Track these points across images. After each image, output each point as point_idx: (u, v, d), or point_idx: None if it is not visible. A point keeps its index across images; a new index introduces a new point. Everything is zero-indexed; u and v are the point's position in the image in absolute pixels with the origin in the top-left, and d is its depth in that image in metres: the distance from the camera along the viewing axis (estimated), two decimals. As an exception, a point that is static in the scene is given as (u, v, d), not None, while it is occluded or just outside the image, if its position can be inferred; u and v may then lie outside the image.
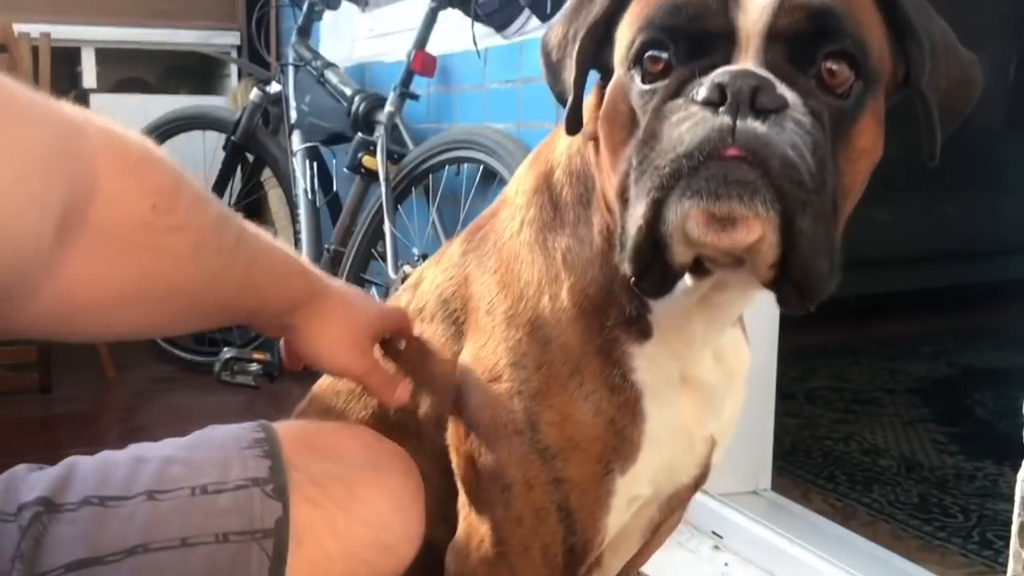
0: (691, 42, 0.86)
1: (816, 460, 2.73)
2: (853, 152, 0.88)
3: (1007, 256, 4.26)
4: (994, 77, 6.10)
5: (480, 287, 1.09)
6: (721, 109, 0.80)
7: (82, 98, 4.26)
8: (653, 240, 0.83)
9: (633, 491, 1.04)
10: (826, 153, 0.82)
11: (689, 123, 0.81)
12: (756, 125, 0.79)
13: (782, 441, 2.64)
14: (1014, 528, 1.42)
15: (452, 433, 1.09)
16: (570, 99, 0.96)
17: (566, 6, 1.01)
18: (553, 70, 1.01)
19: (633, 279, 0.88)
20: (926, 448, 2.84)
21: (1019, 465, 1.45)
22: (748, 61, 0.84)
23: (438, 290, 1.15)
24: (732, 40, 0.85)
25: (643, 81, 0.88)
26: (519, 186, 1.12)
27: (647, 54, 0.88)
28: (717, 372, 1.08)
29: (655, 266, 0.85)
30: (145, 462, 0.98)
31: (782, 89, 0.81)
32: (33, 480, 0.95)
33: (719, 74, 0.82)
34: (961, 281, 4.74)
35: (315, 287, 1.06)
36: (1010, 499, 1.47)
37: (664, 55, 0.87)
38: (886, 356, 3.92)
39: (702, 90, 0.81)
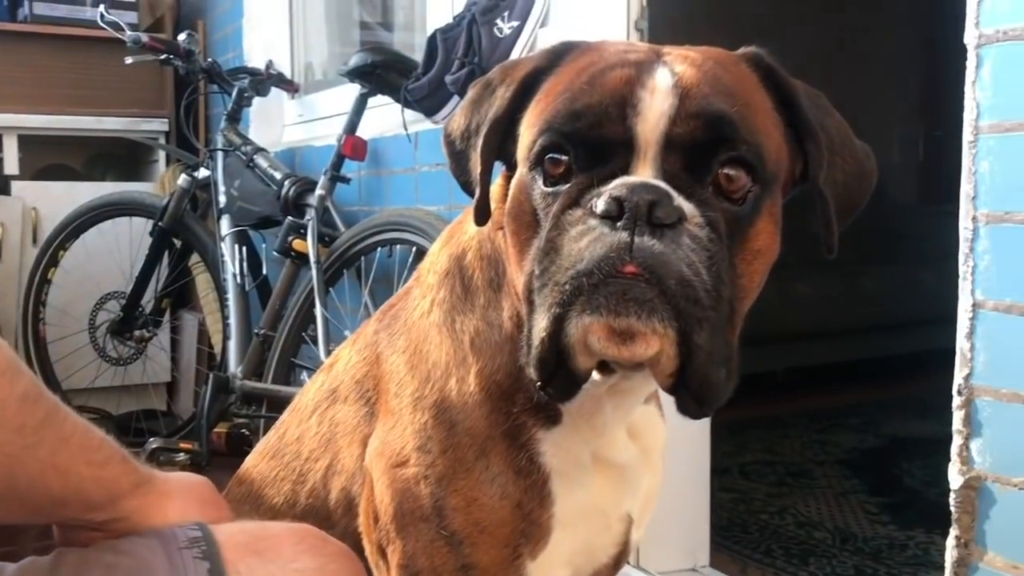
0: (591, 148, 0.88)
1: (752, 534, 2.73)
2: (749, 254, 0.90)
3: (927, 327, 4.38)
4: (905, 155, 6.38)
5: (390, 367, 1.09)
6: (619, 224, 0.82)
7: (3, 185, 4.18)
8: (557, 351, 0.85)
9: (547, 574, 1.02)
10: (722, 264, 0.84)
11: (588, 239, 0.83)
12: (653, 243, 0.82)
13: (718, 516, 2.64)
14: (946, 596, 1.44)
15: (363, 519, 1.07)
16: (477, 192, 0.98)
17: (467, 97, 1.03)
18: (458, 160, 1.03)
19: (539, 384, 0.89)
20: (859, 519, 2.87)
21: (948, 533, 1.47)
22: (646, 169, 0.86)
23: (352, 371, 1.15)
24: (631, 147, 0.87)
25: (544, 183, 0.90)
26: (432, 266, 1.13)
27: (547, 157, 0.90)
28: (632, 450, 1.08)
29: (560, 373, 0.87)
30: (86, 568, 0.93)
31: (679, 201, 0.84)
32: None
33: (617, 187, 0.84)
34: (884, 353, 4.86)
35: (140, 475, 0.99)
36: (941, 567, 1.49)
37: (564, 158, 0.89)
38: (815, 428, 3.98)
39: (600, 202, 0.83)
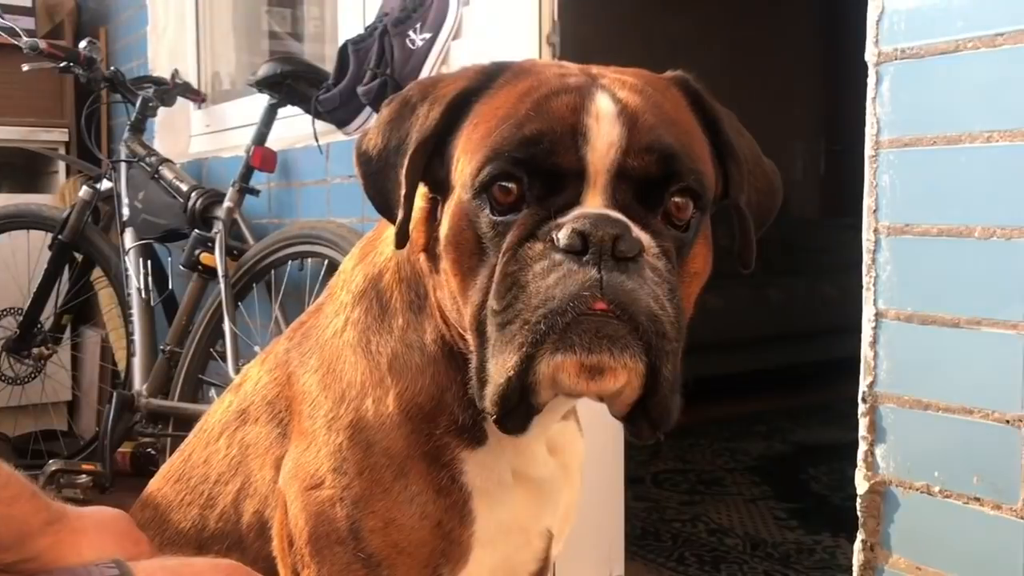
0: (544, 176, 0.87)
1: (666, 543, 2.76)
2: (688, 276, 0.93)
3: (830, 336, 4.52)
4: (807, 170, 6.57)
5: (303, 387, 1.06)
6: (585, 258, 0.82)
7: None
8: (521, 387, 0.84)
9: None
10: (679, 294, 0.86)
11: (555, 275, 0.83)
12: (623, 279, 0.82)
13: (632, 525, 2.67)
14: (854, 598, 1.47)
15: (277, 543, 1.04)
16: (399, 216, 0.95)
17: (383, 115, 1.00)
18: (374, 180, 0.99)
19: (495, 419, 0.89)
20: (768, 525, 2.93)
21: (854, 536, 1.51)
22: (596, 198, 0.87)
23: (262, 391, 1.12)
24: (582, 176, 0.87)
25: (492, 212, 0.89)
26: (345, 284, 1.10)
27: (497, 184, 0.88)
28: (551, 465, 1.08)
29: (519, 408, 0.86)
30: None
31: (637, 232, 0.85)
32: None
33: (578, 219, 0.84)
34: (790, 361, 4.99)
35: (51, 511, 0.96)
36: (848, 570, 1.52)
37: (513, 187, 0.88)
38: (725, 436, 4.05)
39: (563, 236, 0.83)
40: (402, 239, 0.97)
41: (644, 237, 0.85)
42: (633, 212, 0.87)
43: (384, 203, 0.99)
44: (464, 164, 0.92)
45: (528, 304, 0.83)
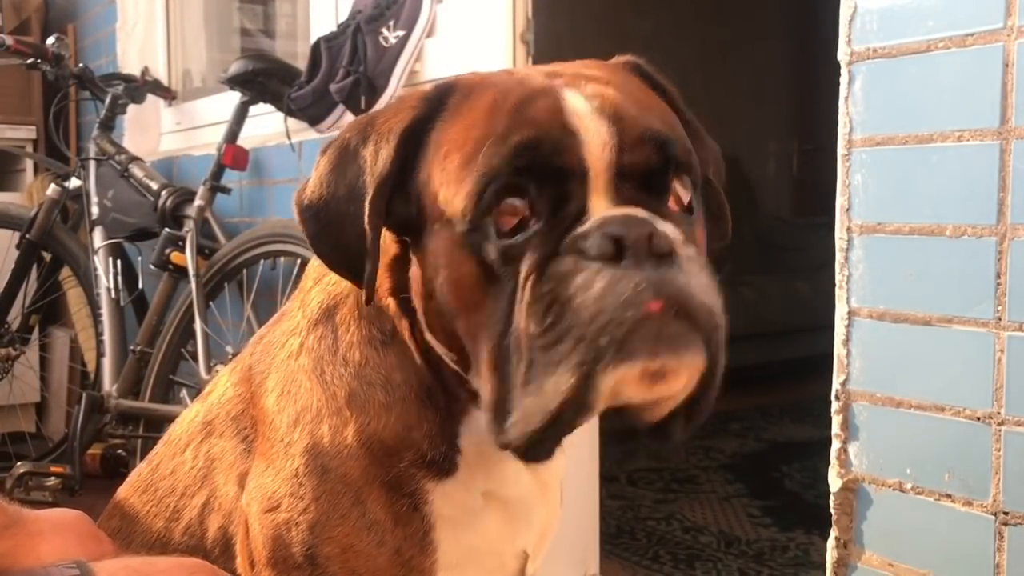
0: (551, 184, 0.82)
1: (641, 541, 2.77)
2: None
3: (802, 335, 4.55)
4: (780, 169, 6.61)
5: (263, 406, 1.03)
6: (624, 263, 0.78)
7: None
8: (576, 407, 0.79)
9: None
10: (714, 281, 0.83)
11: (600, 285, 0.77)
12: (670, 274, 0.78)
13: (607, 524, 2.67)
14: (827, 596, 1.48)
15: (241, 561, 1.02)
16: (369, 267, 0.89)
17: (320, 166, 0.93)
18: (326, 235, 0.92)
19: (522, 451, 0.84)
20: (742, 522, 2.94)
21: (827, 534, 1.52)
22: (601, 200, 0.82)
23: (227, 405, 1.08)
24: (585, 179, 0.82)
25: (499, 237, 0.83)
26: (303, 304, 1.05)
27: (503, 203, 0.82)
28: (525, 482, 1.03)
29: (552, 434, 0.82)
30: None
31: (662, 225, 0.81)
32: None
33: (604, 225, 0.79)
34: (763, 359, 5.01)
35: (8, 515, 0.94)
36: (822, 567, 1.53)
37: (521, 204, 0.83)
38: (699, 434, 4.06)
39: (593, 245, 0.79)
40: (372, 294, 0.91)
41: (669, 228, 0.81)
42: (646, 206, 0.83)
43: (342, 258, 0.92)
44: (450, 196, 0.85)
45: (578, 320, 0.77)
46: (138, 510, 1.13)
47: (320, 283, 1.04)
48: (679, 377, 0.81)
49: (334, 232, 0.91)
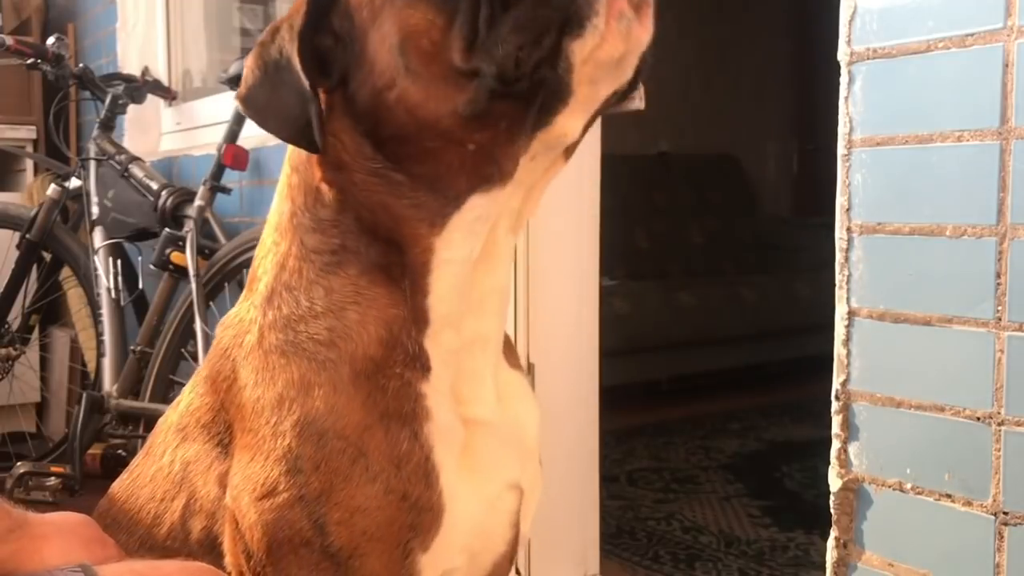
0: None
1: (641, 541, 2.77)
2: None
3: (802, 335, 4.56)
4: (781, 169, 6.61)
5: (238, 406, 1.02)
6: None
7: None
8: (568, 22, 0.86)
9: (442, 565, 0.99)
10: None
11: None
12: None
13: (607, 524, 2.67)
14: (827, 596, 1.48)
15: (230, 559, 1.02)
16: (313, 107, 0.92)
17: (248, 60, 0.98)
18: (266, 108, 0.96)
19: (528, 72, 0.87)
20: (742, 522, 2.94)
21: (827, 534, 1.52)
22: None
23: (196, 414, 1.08)
24: None
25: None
26: (249, 295, 1.06)
27: None
28: (500, 409, 1.05)
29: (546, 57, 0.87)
30: None
31: None
32: None
33: None
34: (763, 360, 5.02)
35: (12, 519, 0.94)
36: (822, 567, 1.53)
37: None
38: (700, 434, 4.06)
39: None
40: (320, 135, 0.93)
41: None
42: None
43: (287, 116, 0.94)
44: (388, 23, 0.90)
45: None
46: (119, 519, 1.13)
47: (265, 272, 1.05)
48: (651, 16, 0.91)
49: (275, 100, 0.95)
